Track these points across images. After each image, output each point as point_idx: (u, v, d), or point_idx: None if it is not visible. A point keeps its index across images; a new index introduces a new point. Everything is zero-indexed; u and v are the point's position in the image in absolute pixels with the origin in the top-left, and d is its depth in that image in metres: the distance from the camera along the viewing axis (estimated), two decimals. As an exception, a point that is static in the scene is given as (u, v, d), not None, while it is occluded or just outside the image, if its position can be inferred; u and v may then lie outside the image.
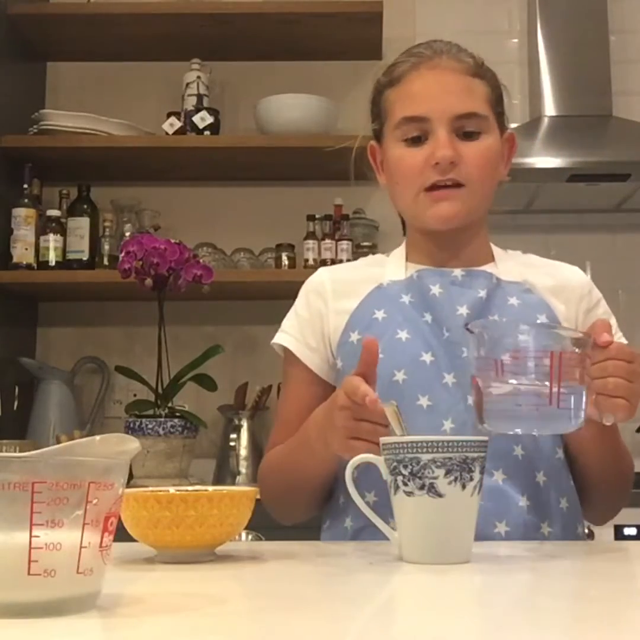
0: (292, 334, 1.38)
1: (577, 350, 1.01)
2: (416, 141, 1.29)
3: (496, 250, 1.40)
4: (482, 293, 1.30)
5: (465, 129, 1.28)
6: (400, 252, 1.40)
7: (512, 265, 1.37)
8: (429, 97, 1.28)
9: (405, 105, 1.30)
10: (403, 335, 1.29)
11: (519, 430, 1.02)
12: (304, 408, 1.36)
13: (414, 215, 1.34)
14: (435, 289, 1.31)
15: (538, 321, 1.29)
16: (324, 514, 1.35)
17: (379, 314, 1.31)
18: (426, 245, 1.36)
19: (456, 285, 1.32)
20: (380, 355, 1.27)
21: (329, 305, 1.36)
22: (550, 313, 1.31)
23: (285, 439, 1.36)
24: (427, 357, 1.27)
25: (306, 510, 1.37)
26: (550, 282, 1.35)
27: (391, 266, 1.38)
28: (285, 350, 1.38)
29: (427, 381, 1.26)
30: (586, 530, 1.32)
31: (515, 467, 1.21)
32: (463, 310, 1.28)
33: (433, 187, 1.28)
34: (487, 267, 1.35)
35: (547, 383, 0.98)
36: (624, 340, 1.33)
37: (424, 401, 1.25)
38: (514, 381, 0.98)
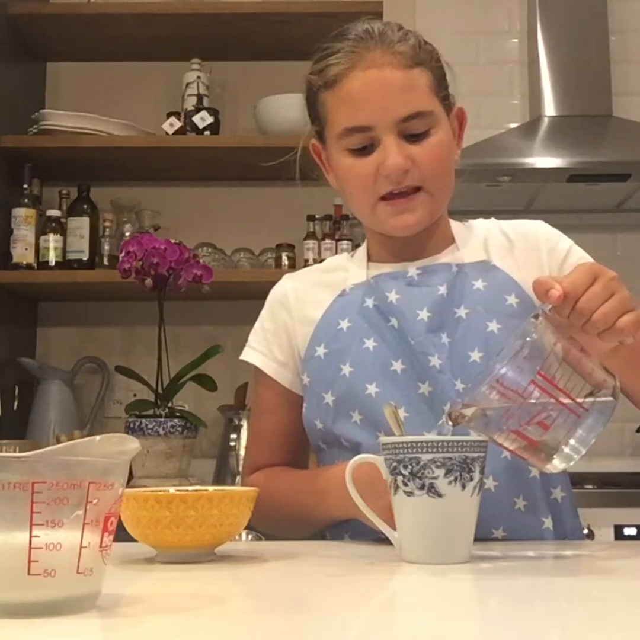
0: (260, 349, 1.35)
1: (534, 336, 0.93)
2: (363, 150, 1.23)
3: (457, 229, 1.34)
4: (442, 289, 1.26)
5: (411, 131, 1.22)
6: (362, 250, 1.37)
7: (473, 242, 1.32)
8: (369, 103, 1.21)
9: (346, 114, 1.23)
10: (370, 344, 1.25)
11: (584, 450, 0.94)
12: (280, 424, 1.34)
13: (374, 223, 1.30)
14: (392, 296, 1.27)
15: (507, 303, 1.25)
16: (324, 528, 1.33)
17: (344, 324, 1.28)
18: (385, 246, 1.33)
19: (413, 285, 1.28)
20: (350, 368, 1.25)
21: (294, 315, 1.34)
22: (518, 290, 1.26)
23: (265, 458, 1.35)
24: (397, 366, 1.24)
25: (303, 535, 1.35)
26: (515, 254, 1.30)
27: (354, 268, 1.35)
28: (255, 366, 1.36)
29: (402, 392, 1.22)
30: (586, 530, 1.31)
31: (506, 469, 1.19)
32: (423, 314, 1.24)
33: (389, 195, 1.23)
34: (447, 253, 1.31)
35: (561, 402, 0.92)
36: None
37: (400, 413, 1.18)
38: (535, 428, 0.92)
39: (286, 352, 1.33)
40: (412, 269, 1.29)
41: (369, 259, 1.35)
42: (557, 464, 0.96)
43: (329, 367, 1.27)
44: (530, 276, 1.26)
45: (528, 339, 0.93)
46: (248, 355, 1.37)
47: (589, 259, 1.31)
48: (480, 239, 1.33)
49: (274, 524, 1.33)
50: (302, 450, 1.37)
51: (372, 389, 1.23)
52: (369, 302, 1.28)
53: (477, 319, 1.24)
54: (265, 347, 1.35)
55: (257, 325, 1.38)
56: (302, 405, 1.31)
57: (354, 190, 1.27)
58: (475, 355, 1.22)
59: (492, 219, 1.37)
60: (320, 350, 1.28)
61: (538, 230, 1.34)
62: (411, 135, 1.22)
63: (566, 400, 0.92)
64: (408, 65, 1.22)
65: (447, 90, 1.28)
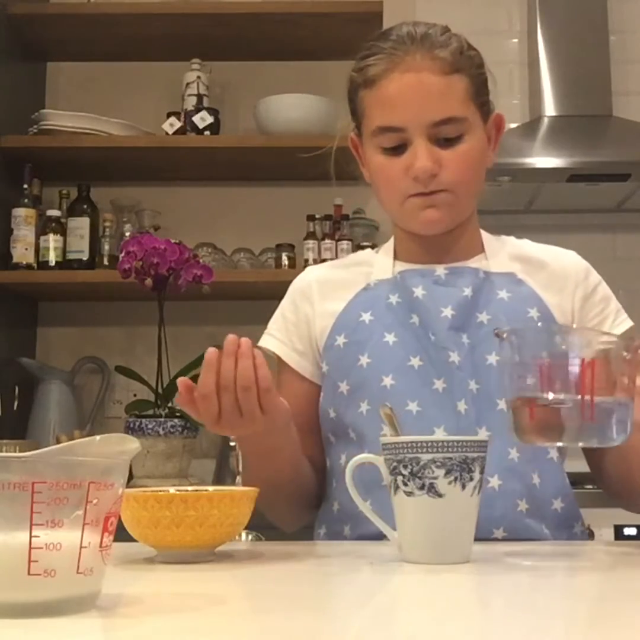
0: (280, 338, 1.37)
1: (625, 354, 0.94)
2: (395, 149, 1.25)
3: (487, 239, 1.37)
4: (467, 291, 1.28)
5: (443, 135, 1.23)
6: (388, 248, 1.38)
7: (503, 255, 1.34)
8: (404, 105, 1.23)
9: (380, 114, 1.25)
10: (390, 338, 1.27)
11: (560, 443, 0.97)
12: (297, 410, 1.35)
13: (401, 219, 1.32)
14: (418, 291, 1.28)
15: (529, 315, 1.27)
16: (319, 520, 1.34)
17: (366, 317, 1.30)
18: (413, 245, 1.35)
19: (439, 284, 1.29)
20: (368, 360, 1.27)
21: (315, 307, 1.35)
22: (541, 306, 1.28)
23: None
24: (415, 362, 1.25)
25: (297, 515, 1.35)
26: (543, 275, 1.32)
27: (379, 264, 1.36)
28: (275, 354, 1.37)
29: (416, 386, 1.24)
30: (585, 530, 1.31)
31: (511, 471, 1.20)
32: (447, 312, 1.26)
33: (417, 194, 1.25)
34: (475, 260, 1.33)
35: (578, 396, 0.92)
36: (628, 323, 1.31)
37: (413, 407, 1.23)
38: (548, 391, 0.93)
39: (305, 343, 1.35)
40: (440, 269, 1.31)
41: (396, 257, 1.37)
42: (532, 438, 0.97)
43: (347, 357, 1.28)
44: (554, 299, 1.30)
45: (610, 344, 0.96)
46: (268, 342, 1.38)
47: (613, 298, 1.34)
48: (511, 253, 1.35)
49: (269, 500, 1.30)
50: (316, 439, 1.35)
51: (387, 381, 1.25)
52: (393, 299, 1.30)
53: (498, 325, 1.25)
54: (286, 337, 1.36)
55: (278, 314, 1.39)
56: (317, 394, 1.33)
57: (383, 188, 1.29)
58: (492, 359, 1.24)
59: (525, 240, 1.39)
60: (340, 340, 1.30)
61: (570, 260, 1.36)
62: (442, 139, 1.24)
63: (584, 399, 0.92)
64: (446, 71, 1.24)
65: (486, 96, 1.30)
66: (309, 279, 1.39)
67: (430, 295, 1.28)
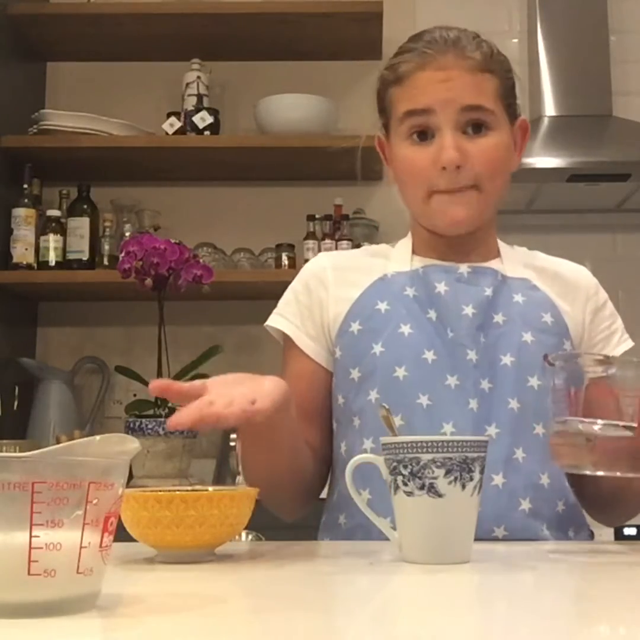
0: (292, 320, 1.35)
1: None
2: (422, 137, 1.26)
3: (502, 246, 1.38)
4: (488, 291, 1.29)
5: (472, 122, 1.24)
6: (406, 243, 1.38)
7: (517, 262, 1.35)
8: (432, 90, 1.25)
9: (409, 100, 1.27)
10: (406, 329, 1.27)
11: (600, 472, 0.97)
12: (301, 394, 1.34)
13: (425, 216, 1.31)
14: (441, 287, 1.29)
15: (543, 319, 1.28)
16: (323, 508, 1.35)
17: (382, 306, 1.29)
18: (432, 243, 1.34)
19: (462, 282, 1.30)
20: (381, 349, 1.27)
21: (330, 292, 1.34)
22: (555, 311, 1.30)
23: None
24: (429, 356, 1.25)
25: (295, 503, 1.33)
26: (556, 284, 1.34)
27: (396, 257, 1.36)
28: (285, 335, 1.35)
29: (429, 380, 1.24)
30: (588, 533, 1.31)
31: (516, 470, 1.20)
32: (469, 310, 1.27)
33: (444, 190, 1.26)
34: (493, 263, 1.34)
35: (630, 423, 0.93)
36: (630, 342, 1.35)
37: (423, 400, 1.23)
38: (595, 419, 0.94)
39: (318, 328, 1.34)
40: (463, 267, 1.32)
41: (414, 252, 1.37)
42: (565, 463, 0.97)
43: (361, 344, 1.28)
44: (567, 308, 1.33)
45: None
46: (280, 323, 1.36)
47: (618, 315, 1.37)
48: (524, 262, 1.37)
49: (266, 484, 1.23)
50: (318, 426, 1.34)
51: (400, 372, 1.25)
52: (410, 292, 1.30)
53: (513, 327, 1.28)
54: (300, 321, 1.35)
55: (290, 296, 1.37)
56: (326, 379, 1.33)
57: (409, 181, 1.29)
58: (507, 359, 1.25)
59: (536, 251, 1.41)
60: (355, 327, 1.30)
61: (581, 274, 1.39)
62: (470, 130, 1.25)
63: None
64: (478, 69, 1.26)
65: (512, 99, 1.31)
66: (323, 264, 1.38)
67: (453, 292, 1.29)
